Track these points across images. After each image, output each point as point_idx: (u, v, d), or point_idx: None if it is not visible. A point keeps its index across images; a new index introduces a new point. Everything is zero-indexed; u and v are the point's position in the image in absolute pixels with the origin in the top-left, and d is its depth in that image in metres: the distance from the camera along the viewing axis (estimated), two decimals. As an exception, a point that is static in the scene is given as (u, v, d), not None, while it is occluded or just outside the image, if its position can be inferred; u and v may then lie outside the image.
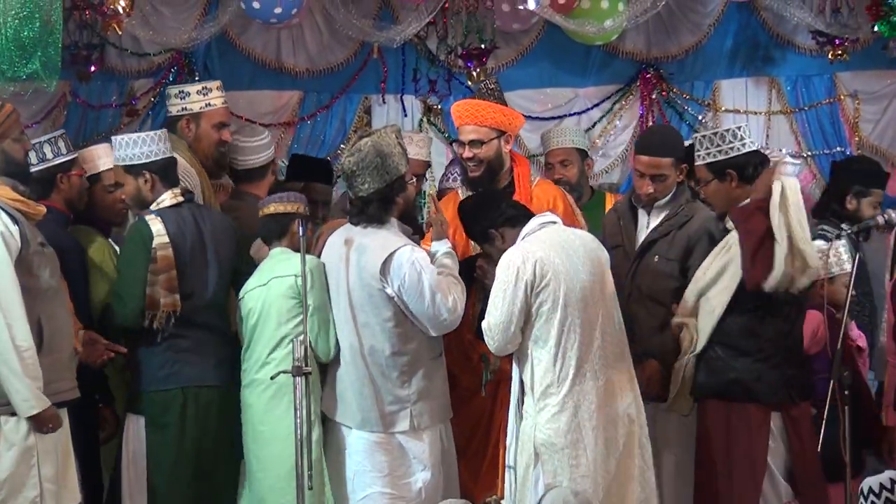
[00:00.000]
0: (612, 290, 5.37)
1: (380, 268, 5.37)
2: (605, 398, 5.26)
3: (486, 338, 5.30)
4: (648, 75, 7.79)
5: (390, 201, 5.48)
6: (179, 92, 6.39)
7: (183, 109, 6.35)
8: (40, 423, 4.97)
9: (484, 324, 5.30)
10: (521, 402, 5.36)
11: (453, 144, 6.04)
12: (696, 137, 5.71)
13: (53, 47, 5.58)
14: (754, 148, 5.61)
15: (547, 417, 5.23)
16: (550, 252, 5.26)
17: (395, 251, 5.38)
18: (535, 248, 5.27)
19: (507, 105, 6.07)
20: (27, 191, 5.17)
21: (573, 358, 5.23)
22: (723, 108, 7.83)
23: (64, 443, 5.17)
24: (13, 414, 4.96)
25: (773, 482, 5.50)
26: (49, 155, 5.76)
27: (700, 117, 7.80)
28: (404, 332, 5.45)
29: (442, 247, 5.57)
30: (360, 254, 5.44)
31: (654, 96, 7.78)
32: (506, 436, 5.51)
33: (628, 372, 5.37)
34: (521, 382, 5.34)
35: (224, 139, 6.38)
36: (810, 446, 5.44)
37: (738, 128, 5.62)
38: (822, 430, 5.22)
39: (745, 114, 7.81)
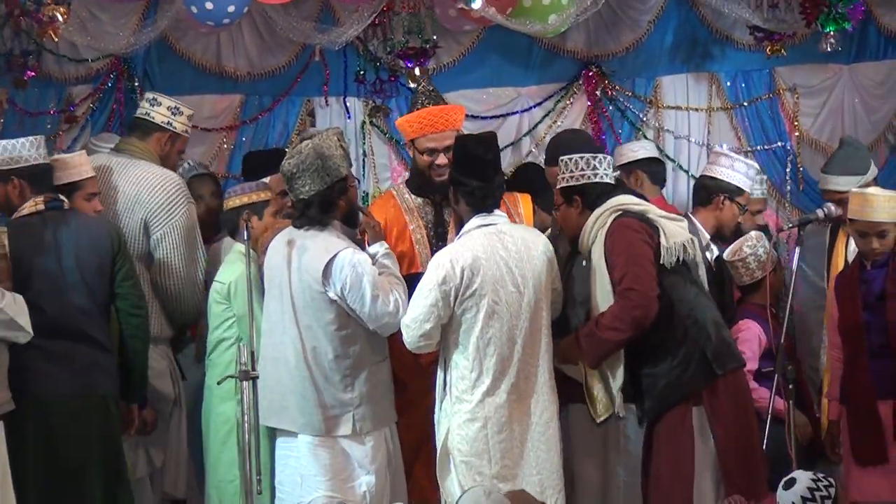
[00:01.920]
0: (543, 299, 5.37)
1: (322, 271, 5.35)
2: (518, 413, 5.30)
3: (402, 332, 5.33)
4: (591, 73, 7.80)
5: (331, 204, 5.45)
6: (176, 108, 6.34)
7: (168, 124, 6.31)
8: None
9: (404, 318, 5.33)
10: (442, 397, 5.41)
11: (423, 154, 5.94)
12: (561, 160, 5.69)
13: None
14: (607, 180, 5.59)
15: (458, 423, 5.31)
16: (482, 258, 5.28)
17: (336, 254, 5.36)
18: (468, 252, 5.29)
19: (445, 103, 6.08)
20: None
21: (490, 370, 5.28)
22: (664, 105, 7.85)
23: (2, 455, 5.12)
24: None
25: (706, 485, 5.43)
26: None
27: (641, 115, 7.83)
28: (347, 336, 5.43)
29: (380, 248, 5.56)
30: (302, 256, 5.42)
31: (597, 94, 7.79)
32: None
33: (549, 387, 5.39)
34: (444, 381, 5.39)
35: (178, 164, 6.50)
36: (733, 429, 5.37)
37: (594, 157, 5.59)
38: (767, 429, 5.24)
39: (686, 110, 7.85)
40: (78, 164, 5.88)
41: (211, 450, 5.79)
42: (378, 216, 5.90)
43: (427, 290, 5.27)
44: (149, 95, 6.42)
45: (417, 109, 5.95)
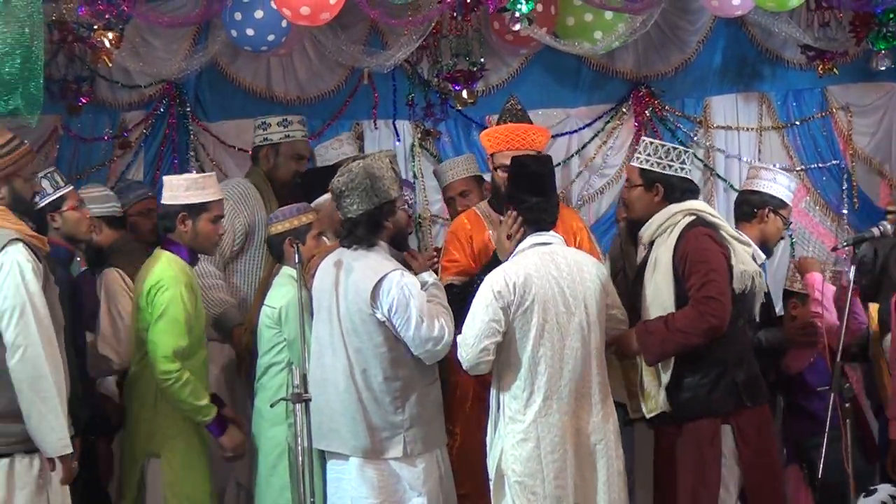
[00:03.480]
0: (595, 321, 5.35)
1: (370, 292, 5.34)
2: (572, 433, 5.27)
3: (460, 351, 5.31)
4: (640, 94, 7.78)
5: (378, 224, 5.46)
6: (262, 123, 6.61)
7: (264, 140, 6.54)
8: (65, 464, 4.85)
9: (459, 337, 5.32)
10: (495, 419, 5.38)
11: (497, 170, 5.95)
12: (646, 141, 5.71)
13: (35, 83, 5.56)
14: (689, 177, 5.65)
15: (511, 443, 5.28)
16: (533, 276, 5.27)
17: (385, 275, 5.36)
18: (520, 270, 5.29)
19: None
20: (35, 228, 5.13)
21: (541, 389, 5.26)
22: (714, 125, 7.83)
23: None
24: (27, 452, 4.90)
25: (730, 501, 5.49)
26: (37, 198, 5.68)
27: (692, 134, 7.80)
28: (397, 357, 5.42)
29: (430, 277, 5.56)
30: (350, 278, 5.42)
31: (647, 114, 7.78)
32: None
33: (601, 407, 5.36)
34: (497, 400, 5.37)
35: (300, 170, 6.61)
36: (764, 458, 5.47)
37: (685, 152, 5.65)
38: (824, 453, 5.19)
39: (736, 130, 7.82)
40: (209, 186, 5.87)
41: (260, 474, 5.78)
42: (462, 229, 5.97)
43: (483, 306, 5.26)
44: (255, 122, 6.63)
45: (500, 125, 5.98)
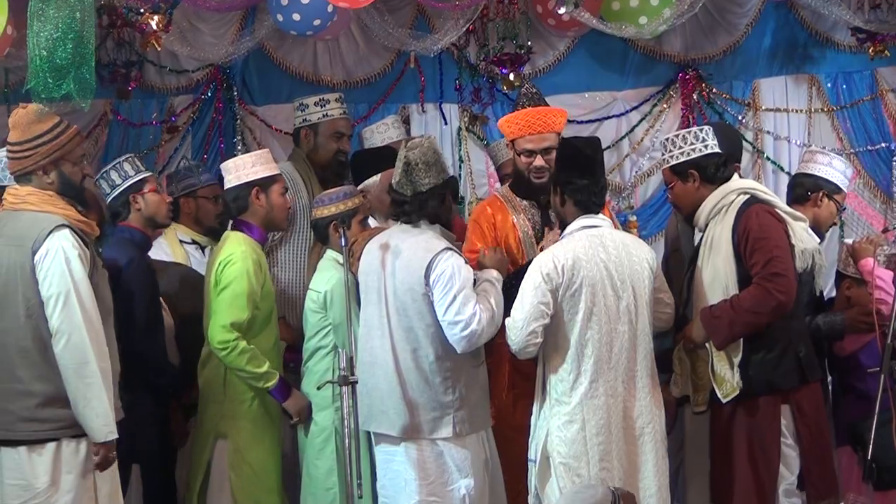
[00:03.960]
0: (643, 304, 5.34)
1: (424, 269, 5.34)
2: (617, 416, 5.28)
3: (508, 334, 5.31)
4: (687, 77, 7.75)
5: (444, 199, 5.48)
6: (300, 104, 6.57)
7: (304, 121, 6.53)
8: (108, 450, 4.92)
9: (507, 320, 5.32)
10: (541, 401, 5.39)
11: (521, 156, 5.96)
12: (665, 139, 5.71)
13: (87, 67, 5.61)
14: (716, 150, 5.63)
15: (557, 425, 5.29)
16: (582, 259, 5.26)
17: (438, 252, 5.35)
18: (569, 253, 5.28)
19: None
20: (83, 211, 5.16)
21: (588, 371, 5.26)
22: (763, 108, 7.78)
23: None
24: (74, 436, 4.95)
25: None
26: (117, 180, 5.86)
27: (740, 117, 7.75)
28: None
29: (490, 274, 5.52)
30: (401, 257, 5.41)
31: (694, 97, 7.74)
32: None
33: (648, 391, 5.35)
34: (542, 383, 5.38)
35: (342, 149, 6.53)
36: (820, 437, 5.52)
37: (701, 129, 5.65)
38: (873, 433, 5.16)
39: (785, 112, 7.77)
40: (271, 160, 5.97)
41: (308, 458, 5.79)
42: (483, 215, 5.95)
43: (532, 288, 5.25)
44: (294, 103, 6.59)
45: (518, 110, 5.96)
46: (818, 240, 6.03)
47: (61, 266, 4.82)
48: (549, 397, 5.34)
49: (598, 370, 5.26)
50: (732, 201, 5.55)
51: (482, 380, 5.57)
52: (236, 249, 5.69)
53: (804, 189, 6.24)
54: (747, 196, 5.56)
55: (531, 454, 5.44)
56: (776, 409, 5.47)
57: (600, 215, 5.45)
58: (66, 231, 4.87)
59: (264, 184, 5.81)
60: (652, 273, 5.41)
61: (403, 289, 5.39)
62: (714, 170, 5.61)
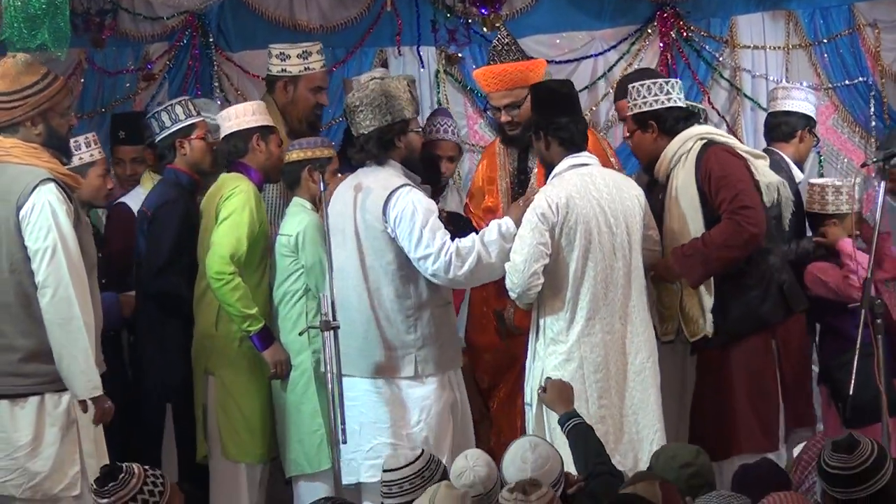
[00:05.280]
0: (636, 240, 5.36)
1: (382, 207, 5.34)
2: (615, 352, 5.29)
3: (508, 278, 5.30)
4: (665, 14, 7.71)
5: (390, 142, 5.45)
6: (280, 53, 6.43)
7: (282, 71, 6.41)
8: (97, 405, 4.88)
9: (507, 264, 5.31)
10: (534, 342, 5.40)
11: (488, 111, 6.03)
12: (631, 86, 5.71)
13: (62, 17, 5.57)
14: (679, 104, 5.66)
15: (554, 364, 5.30)
16: (575, 197, 5.27)
17: (394, 189, 5.35)
18: (562, 192, 5.29)
19: (524, 55, 6.06)
20: (68, 163, 5.13)
21: (584, 309, 5.28)
22: (740, 45, 7.76)
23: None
24: (56, 391, 4.94)
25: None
26: (167, 122, 5.92)
27: (717, 55, 7.73)
28: (407, 275, 5.40)
29: (503, 220, 5.43)
30: (364, 196, 5.42)
31: (672, 35, 7.71)
32: None
33: (644, 326, 5.38)
34: (537, 324, 5.38)
35: (321, 102, 6.45)
36: (801, 370, 5.67)
37: (667, 82, 5.67)
38: (855, 369, 5.19)
39: (762, 49, 7.75)
40: (267, 112, 5.99)
41: (290, 403, 5.77)
42: (485, 164, 6.08)
43: (529, 230, 5.25)
44: (272, 50, 6.46)
45: (489, 65, 5.97)
46: (801, 175, 6.06)
47: (48, 220, 4.79)
48: (544, 336, 5.35)
49: (595, 307, 5.28)
50: (690, 148, 5.56)
51: (449, 320, 5.58)
52: (240, 184, 5.73)
53: (790, 127, 6.30)
54: (704, 141, 5.57)
55: (527, 398, 5.45)
56: (768, 343, 5.54)
57: (585, 153, 5.45)
58: (52, 185, 4.83)
59: (264, 132, 5.85)
60: (642, 209, 5.43)
61: (363, 227, 5.39)
62: (673, 122, 5.61)
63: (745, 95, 7.70)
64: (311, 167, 5.71)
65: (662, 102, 5.60)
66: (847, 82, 7.73)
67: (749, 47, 7.75)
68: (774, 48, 7.76)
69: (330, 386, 5.17)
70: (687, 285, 5.52)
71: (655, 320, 5.60)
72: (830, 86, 7.70)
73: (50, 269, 4.77)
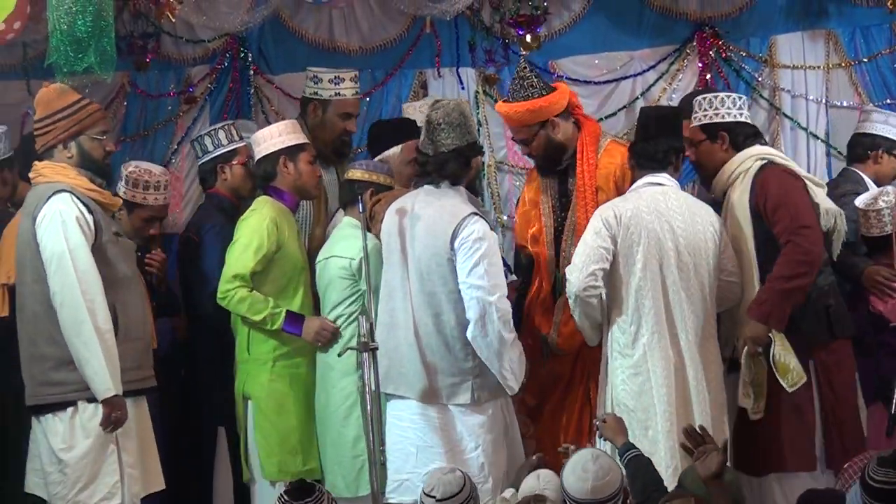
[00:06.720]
0: (706, 265, 5.37)
1: (450, 235, 5.34)
2: (680, 368, 5.31)
3: (568, 280, 5.40)
4: (704, 34, 7.70)
5: (468, 162, 5.48)
6: (314, 76, 6.57)
7: (314, 94, 6.54)
8: (111, 408, 5.00)
9: (567, 267, 5.46)
10: (606, 355, 5.47)
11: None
12: (695, 100, 5.73)
13: (108, 39, 5.65)
14: (748, 121, 5.73)
15: (622, 378, 5.36)
16: (643, 212, 5.35)
17: (465, 217, 5.36)
18: (629, 204, 5.40)
19: (541, 88, 6.05)
20: (104, 183, 5.28)
21: (648, 323, 5.32)
22: (780, 64, 7.72)
23: (146, 429, 5.25)
24: (90, 400, 5.02)
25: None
26: (210, 147, 6.10)
27: (757, 74, 7.71)
28: None
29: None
30: (426, 221, 5.42)
31: (711, 55, 7.70)
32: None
33: (710, 346, 5.40)
34: (607, 336, 5.47)
35: (348, 129, 6.53)
36: (845, 398, 5.54)
37: (739, 97, 5.71)
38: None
39: (802, 69, 7.71)
40: (298, 130, 6.07)
41: (331, 426, 5.82)
42: (531, 188, 6.17)
43: (592, 234, 5.38)
44: (307, 73, 6.58)
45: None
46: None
47: (56, 228, 4.97)
48: (611, 350, 5.41)
49: (658, 321, 5.32)
50: (749, 167, 5.58)
51: None
52: (256, 207, 5.81)
53: (863, 148, 6.38)
54: (764, 161, 5.58)
55: (599, 413, 5.47)
56: (805, 360, 5.47)
57: (665, 174, 5.51)
58: (66, 195, 5.00)
59: (291, 152, 5.89)
60: (716, 236, 5.43)
61: (428, 253, 5.39)
62: (744, 137, 5.64)
63: (785, 115, 7.64)
64: (374, 191, 5.76)
65: (735, 116, 5.66)
66: (889, 101, 7.66)
67: (789, 67, 7.71)
68: (814, 68, 7.71)
69: (369, 407, 5.18)
70: (778, 339, 5.43)
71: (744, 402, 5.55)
72: (871, 105, 7.64)
73: (58, 277, 4.94)
